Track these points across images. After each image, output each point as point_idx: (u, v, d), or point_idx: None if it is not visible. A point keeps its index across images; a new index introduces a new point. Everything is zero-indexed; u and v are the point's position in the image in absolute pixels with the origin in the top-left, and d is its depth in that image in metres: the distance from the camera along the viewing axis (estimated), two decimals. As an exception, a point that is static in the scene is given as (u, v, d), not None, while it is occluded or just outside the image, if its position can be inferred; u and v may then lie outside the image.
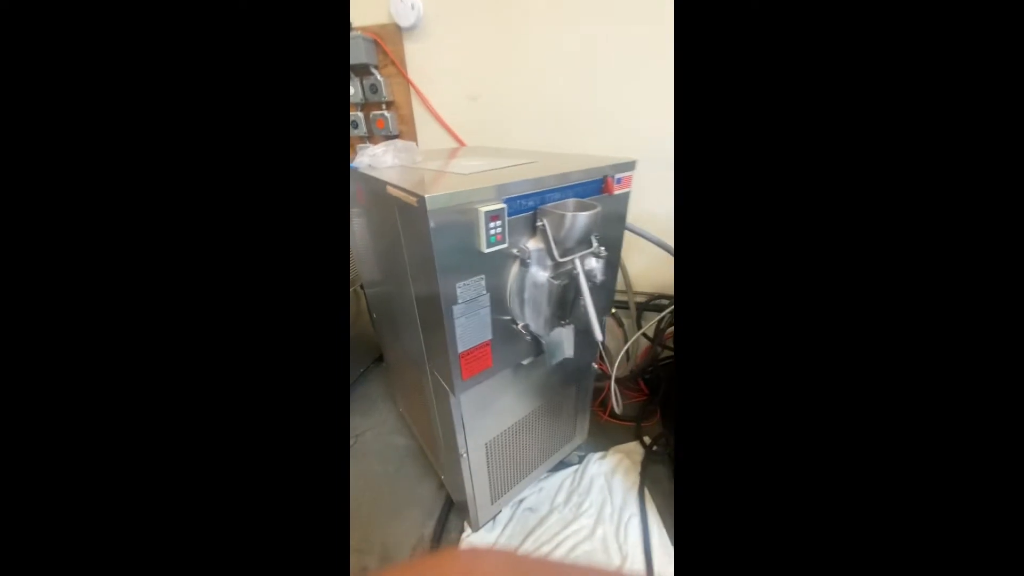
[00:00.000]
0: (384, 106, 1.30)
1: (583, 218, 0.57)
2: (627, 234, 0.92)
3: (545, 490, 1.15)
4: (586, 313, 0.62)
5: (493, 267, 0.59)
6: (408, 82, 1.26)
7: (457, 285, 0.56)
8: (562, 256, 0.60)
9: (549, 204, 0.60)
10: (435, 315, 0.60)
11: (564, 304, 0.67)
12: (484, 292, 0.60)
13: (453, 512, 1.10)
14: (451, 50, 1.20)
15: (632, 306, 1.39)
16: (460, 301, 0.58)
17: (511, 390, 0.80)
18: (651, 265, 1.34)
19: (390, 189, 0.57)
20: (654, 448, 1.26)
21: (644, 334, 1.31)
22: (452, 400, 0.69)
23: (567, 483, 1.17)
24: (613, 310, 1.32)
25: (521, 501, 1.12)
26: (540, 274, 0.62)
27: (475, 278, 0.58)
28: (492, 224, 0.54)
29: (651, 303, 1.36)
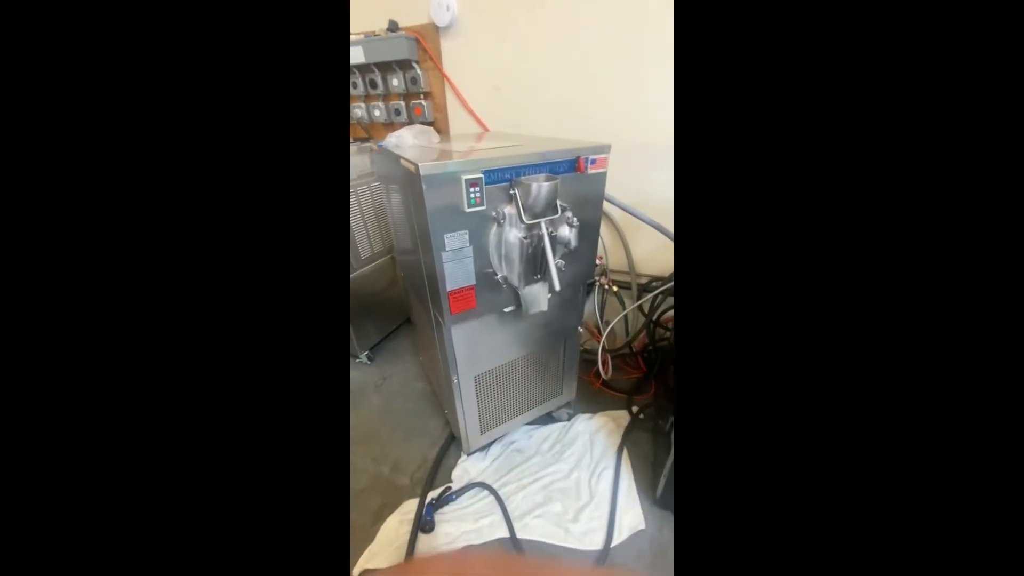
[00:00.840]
0: (422, 96, 1.50)
1: (546, 187, 0.72)
2: (633, 219, 1.03)
3: (534, 437, 1.32)
4: (547, 266, 0.77)
5: (475, 225, 0.76)
6: (443, 75, 1.45)
7: (445, 236, 0.74)
8: (530, 219, 0.75)
9: (523, 176, 0.75)
10: (431, 262, 0.78)
11: (535, 262, 0.82)
12: (467, 244, 0.77)
13: (453, 445, 1.31)
14: (479, 46, 1.36)
15: (634, 287, 1.49)
16: (448, 249, 0.75)
17: (498, 334, 0.97)
18: (656, 250, 1.43)
19: (402, 161, 0.76)
20: (640, 416, 1.36)
21: (640, 307, 1.41)
22: (445, 331, 0.88)
23: (554, 434, 1.32)
24: (616, 288, 1.42)
25: (512, 443, 1.30)
26: (513, 233, 0.78)
27: (460, 232, 0.75)
28: (472, 189, 0.70)
29: (651, 284, 1.44)
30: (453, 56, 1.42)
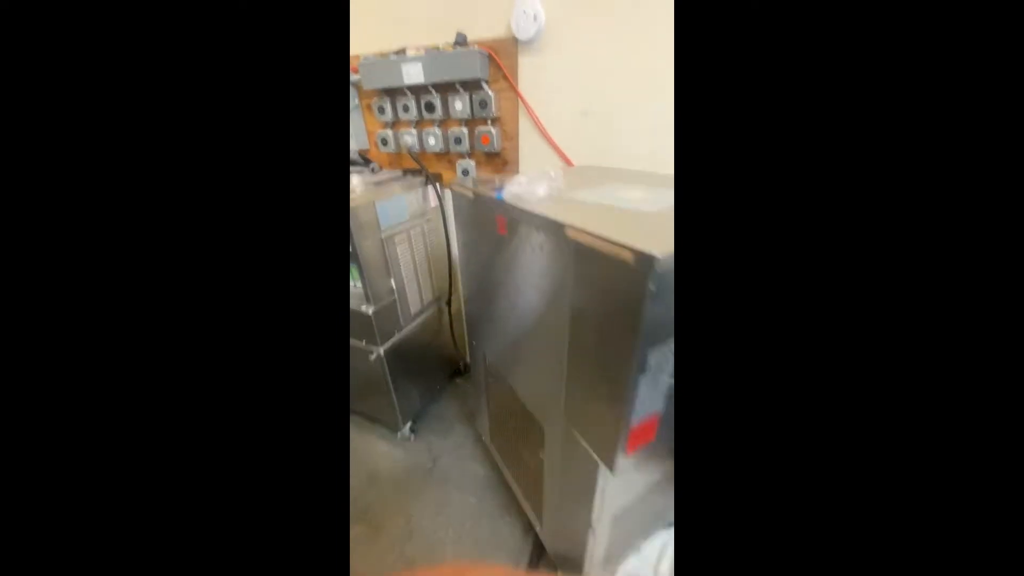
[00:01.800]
0: (489, 122, 1.25)
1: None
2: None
3: (643, 552, 1.03)
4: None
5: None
6: (519, 96, 1.20)
7: (649, 352, 0.47)
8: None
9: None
10: (606, 381, 0.51)
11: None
12: (670, 360, 0.50)
13: (543, 561, 1.01)
14: (567, 63, 1.12)
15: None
16: (648, 370, 0.48)
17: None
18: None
19: (572, 233, 0.49)
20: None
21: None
22: (601, 474, 0.60)
23: (668, 550, 1.03)
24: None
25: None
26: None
27: (666, 344, 0.48)
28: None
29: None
30: (532, 75, 1.18)
